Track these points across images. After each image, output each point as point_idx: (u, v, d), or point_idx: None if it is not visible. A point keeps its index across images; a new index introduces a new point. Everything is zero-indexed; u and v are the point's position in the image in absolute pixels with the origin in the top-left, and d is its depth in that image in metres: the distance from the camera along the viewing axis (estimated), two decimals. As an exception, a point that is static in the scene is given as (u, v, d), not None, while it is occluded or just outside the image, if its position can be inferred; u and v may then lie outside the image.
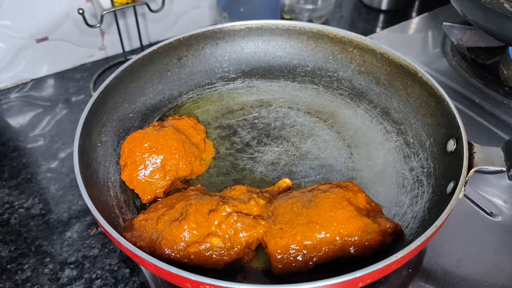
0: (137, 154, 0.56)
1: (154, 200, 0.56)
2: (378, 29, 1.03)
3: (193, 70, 0.73)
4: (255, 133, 0.66)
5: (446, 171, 0.55)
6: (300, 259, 0.47)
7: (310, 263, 0.47)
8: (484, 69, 0.81)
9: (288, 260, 0.47)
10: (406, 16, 1.06)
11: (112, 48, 0.92)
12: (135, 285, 0.55)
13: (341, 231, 0.47)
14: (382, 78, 0.69)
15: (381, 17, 1.07)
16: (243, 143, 0.65)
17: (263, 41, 0.75)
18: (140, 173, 0.56)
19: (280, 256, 0.47)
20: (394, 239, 0.50)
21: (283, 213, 0.49)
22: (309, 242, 0.47)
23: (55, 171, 0.70)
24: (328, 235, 0.47)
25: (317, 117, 0.69)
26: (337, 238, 0.47)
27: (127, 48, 0.93)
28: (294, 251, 0.47)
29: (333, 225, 0.47)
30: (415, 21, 0.96)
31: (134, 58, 0.66)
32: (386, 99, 0.68)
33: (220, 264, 0.48)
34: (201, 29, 0.72)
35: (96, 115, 0.60)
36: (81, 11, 0.74)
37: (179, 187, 0.59)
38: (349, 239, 0.47)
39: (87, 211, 0.64)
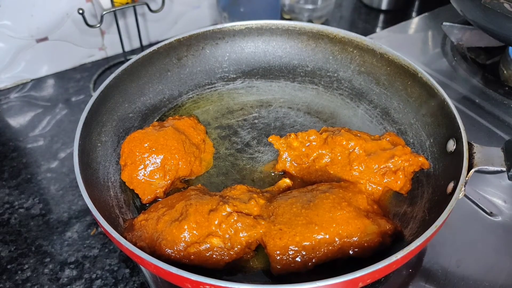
0: (137, 154, 0.56)
1: (154, 200, 0.56)
2: (378, 29, 1.03)
3: (193, 70, 0.73)
4: (255, 133, 0.66)
5: (446, 171, 0.55)
6: (299, 260, 0.46)
7: (309, 263, 0.46)
8: (484, 69, 0.81)
9: (287, 261, 0.46)
10: (406, 16, 1.06)
11: (112, 48, 0.92)
12: (135, 285, 0.55)
13: (340, 232, 0.47)
14: (382, 78, 0.69)
15: (381, 17, 1.07)
16: (243, 143, 0.65)
17: (263, 41, 0.75)
18: (140, 173, 0.56)
19: (279, 257, 0.47)
20: (394, 240, 0.50)
21: (283, 213, 0.49)
22: (308, 243, 0.46)
23: (55, 171, 0.70)
24: (327, 236, 0.47)
25: (317, 117, 0.69)
26: (336, 239, 0.47)
27: (127, 48, 0.93)
28: (293, 252, 0.46)
29: (332, 226, 0.47)
30: (415, 21, 0.96)
31: (134, 58, 0.66)
32: (386, 99, 0.68)
33: (220, 264, 0.48)
34: (201, 29, 0.72)
35: (96, 115, 0.60)
36: (81, 11, 0.74)
37: (179, 187, 0.59)
38: (348, 240, 0.47)
39: (87, 211, 0.64)
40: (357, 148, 0.56)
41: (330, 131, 0.59)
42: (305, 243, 0.46)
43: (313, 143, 0.58)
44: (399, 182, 0.55)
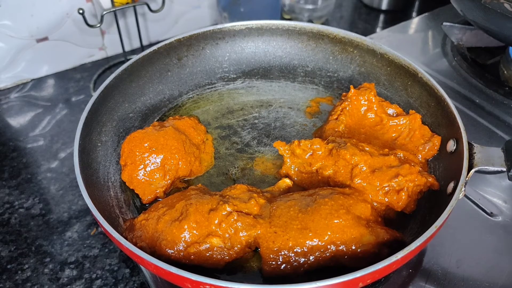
0: (137, 153, 0.56)
1: (155, 200, 0.56)
2: (378, 29, 1.03)
3: (193, 70, 0.73)
4: (255, 133, 0.66)
5: (446, 171, 0.55)
6: (290, 264, 0.46)
7: (301, 269, 0.46)
8: (484, 69, 0.81)
9: (278, 265, 0.46)
10: (406, 16, 1.06)
11: (112, 48, 0.92)
12: (135, 285, 0.55)
13: (334, 240, 0.46)
14: (382, 79, 0.69)
15: (381, 17, 1.07)
16: (243, 143, 0.65)
17: (263, 41, 0.75)
18: (140, 173, 0.56)
19: (270, 260, 0.46)
20: (394, 249, 0.48)
21: (280, 215, 0.49)
22: (300, 249, 0.46)
23: (55, 171, 0.70)
24: (320, 243, 0.46)
25: (317, 117, 0.69)
26: (329, 247, 0.46)
27: (127, 48, 0.93)
28: (285, 256, 0.46)
29: (326, 233, 0.46)
30: (415, 21, 0.96)
31: (134, 58, 0.66)
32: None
33: (220, 264, 0.48)
34: (201, 29, 0.72)
35: (96, 115, 0.60)
36: (81, 11, 0.74)
37: (179, 187, 0.59)
38: (342, 248, 0.46)
39: (87, 211, 0.64)
40: (361, 164, 0.53)
41: (337, 142, 0.57)
42: (297, 249, 0.46)
43: (318, 152, 0.56)
44: (400, 203, 0.52)
